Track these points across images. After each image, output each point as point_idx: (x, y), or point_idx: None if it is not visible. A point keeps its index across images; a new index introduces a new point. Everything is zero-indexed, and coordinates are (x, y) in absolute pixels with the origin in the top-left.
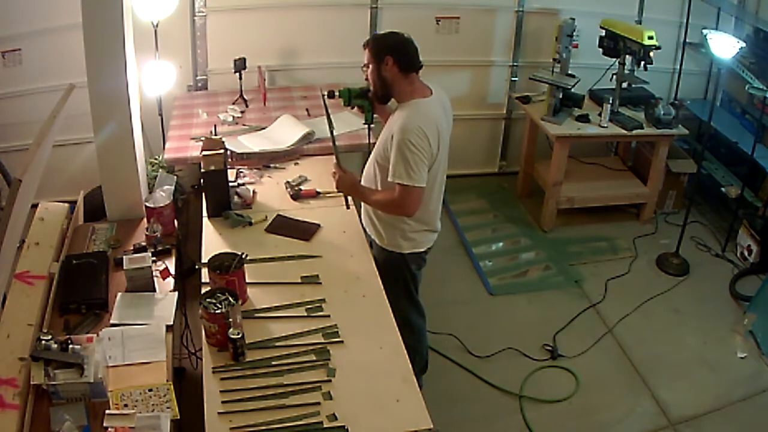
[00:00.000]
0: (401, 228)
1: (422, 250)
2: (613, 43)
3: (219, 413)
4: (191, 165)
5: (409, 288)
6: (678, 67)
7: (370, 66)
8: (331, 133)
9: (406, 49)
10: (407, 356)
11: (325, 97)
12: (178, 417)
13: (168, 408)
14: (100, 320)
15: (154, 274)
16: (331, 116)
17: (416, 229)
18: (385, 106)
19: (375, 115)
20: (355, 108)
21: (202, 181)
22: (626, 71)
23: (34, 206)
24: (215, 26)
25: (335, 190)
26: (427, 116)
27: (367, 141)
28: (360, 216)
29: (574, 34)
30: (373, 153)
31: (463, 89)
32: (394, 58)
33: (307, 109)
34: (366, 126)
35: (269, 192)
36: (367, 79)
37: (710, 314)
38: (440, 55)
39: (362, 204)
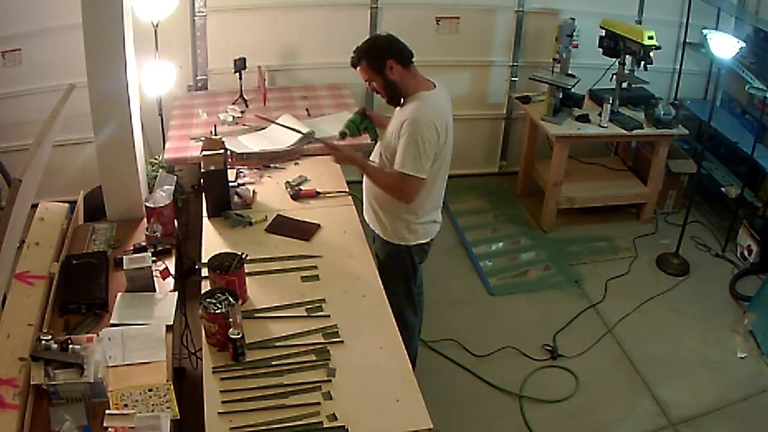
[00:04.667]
0: (407, 220)
1: (426, 241)
2: (613, 43)
3: (219, 413)
4: (191, 165)
5: (408, 283)
6: (678, 67)
7: (375, 80)
8: (307, 136)
9: (398, 45)
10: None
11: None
12: (178, 417)
13: (168, 408)
14: (100, 320)
15: (154, 274)
16: (331, 115)
17: (421, 220)
18: (382, 117)
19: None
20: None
21: (202, 181)
22: (626, 71)
23: (34, 206)
24: (215, 26)
25: (336, 162)
26: (435, 108)
27: (369, 140)
28: (363, 211)
29: (574, 34)
30: (378, 147)
31: (463, 89)
32: (395, 58)
33: (307, 109)
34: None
35: (269, 192)
36: (375, 92)
37: (710, 314)
38: (440, 55)
39: (365, 198)
